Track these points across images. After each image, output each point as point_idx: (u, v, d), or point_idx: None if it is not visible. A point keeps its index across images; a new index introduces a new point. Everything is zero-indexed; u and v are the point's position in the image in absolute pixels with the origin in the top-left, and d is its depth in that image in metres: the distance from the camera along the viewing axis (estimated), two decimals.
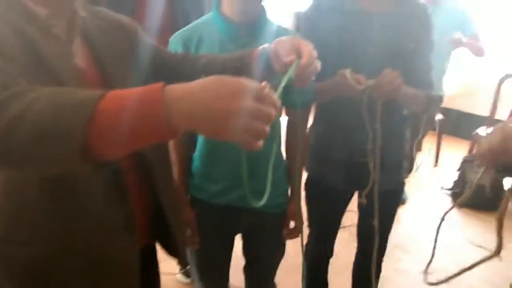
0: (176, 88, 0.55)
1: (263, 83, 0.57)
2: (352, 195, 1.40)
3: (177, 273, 2.12)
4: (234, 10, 1.10)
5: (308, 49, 0.79)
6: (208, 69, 0.90)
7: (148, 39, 0.94)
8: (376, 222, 1.28)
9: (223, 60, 0.91)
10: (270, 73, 0.85)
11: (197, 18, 1.63)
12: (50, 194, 0.71)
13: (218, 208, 1.21)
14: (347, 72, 1.12)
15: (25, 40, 0.67)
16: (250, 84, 0.55)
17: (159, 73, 0.92)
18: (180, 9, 1.63)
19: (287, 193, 1.29)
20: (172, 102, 0.53)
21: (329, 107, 1.31)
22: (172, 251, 0.99)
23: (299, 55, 0.78)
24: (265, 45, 0.86)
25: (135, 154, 0.76)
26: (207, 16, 1.18)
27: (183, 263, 1.00)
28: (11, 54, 0.63)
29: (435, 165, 3.61)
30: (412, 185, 3.03)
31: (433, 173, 3.52)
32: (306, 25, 1.30)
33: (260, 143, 0.56)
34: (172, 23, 1.61)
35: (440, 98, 1.35)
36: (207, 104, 0.53)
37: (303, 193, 1.37)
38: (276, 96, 0.59)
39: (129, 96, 0.55)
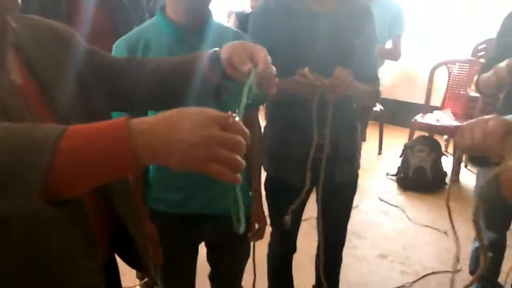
0: (140, 123, 0.53)
1: (228, 113, 0.56)
2: (311, 190, 1.43)
3: (137, 285, 2.05)
4: (180, 13, 1.08)
5: (263, 55, 0.78)
6: (156, 74, 0.87)
7: (86, 45, 0.88)
8: (319, 226, 1.34)
9: (171, 64, 0.88)
10: (223, 78, 0.84)
11: (139, 24, 1.59)
12: None
13: (181, 218, 1.19)
14: (307, 70, 1.14)
15: None
16: (214, 113, 0.54)
17: (102, 79, 0.87)
18: (121, 15, 1.57)
19: (248, 195, 1.29)
20: (137, 137, 0.52)
21: (283, 106, 1.32)
22: (135, 264, 0.95)
23: (254, 63, 0.77)
24: (215, 49, 0.84)
25: None
26: (152, 21, 1.15)
27: (147, 275, 0.98)
28: None
29: (379, 153, 3.79)
30: (360, 173, 3.17)
31: (377, 160, 3.70)
32: (254, 25, 1.31)
33: (238, 175, 0.55)
34: (113, 29, 1.55)
35: (380, 91, 1.42)
36: (170, 136, 0.52)
37: (263, 193, 1.38)
38: (241, 116, 0.59)
39: (92, 133, 0.52)
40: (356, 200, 1.56)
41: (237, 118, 0.57)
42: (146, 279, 2.01)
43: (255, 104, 1.24)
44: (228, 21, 3.63)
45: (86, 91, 0.82)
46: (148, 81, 0.87)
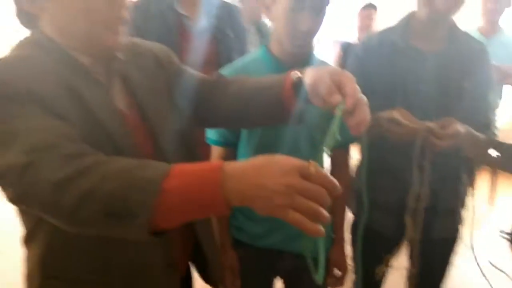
0: (232, 167, 0.58)
1: (310, 162, 0.56)
2: (403, 241, 1.30)
3: None
4: (286, 51, 1.08)
5: (351, 86, 0.68)
6: (238, 97, 0.88)
7: (183, 67, 0.93)
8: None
9: (253, 88, 0.87)
10: (306, 104, 0.79)
11: (239, 54, 1.66)
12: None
13: (260, 250, 1.17)
14: (396, 114, 1.05)
15: (72, 92, 0.69)
16: (296, 162, 0.56)
17: (191, 101, 0.91)
18: (224, 45, 1.65)
19: (330, 236, 1.23)
20: (229, 182, 0.56)
21: (375, 147, 1.23)
22: (209, 281, 1.00)
23: (342, 93, 0.69)
24: (299, 74, 0.78)
25: None
26: (255, 54, 1.18)
27: None
28: (67, 114, 0.66)
29: (491, 204, 3.36)
30: (466, 224, 2.82)
31: (488, 213, 3.28)
32: (355, 61, 1.26)
33: (320, 227, 0.54)
34: (216, 58, 1.64)
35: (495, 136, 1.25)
36: (256, 182, 0.55)
37: (347, 236, 1.29)
38: (328, 151, 0.58)
39: (190, 175, 0.58)
40: (458, 254, 1.38)
41: (322, 167, 0.56)
42: None
43: (344, 143, 1.18)
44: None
45: (181, 116, 0.87)
46: (231, 103, 0.89)
